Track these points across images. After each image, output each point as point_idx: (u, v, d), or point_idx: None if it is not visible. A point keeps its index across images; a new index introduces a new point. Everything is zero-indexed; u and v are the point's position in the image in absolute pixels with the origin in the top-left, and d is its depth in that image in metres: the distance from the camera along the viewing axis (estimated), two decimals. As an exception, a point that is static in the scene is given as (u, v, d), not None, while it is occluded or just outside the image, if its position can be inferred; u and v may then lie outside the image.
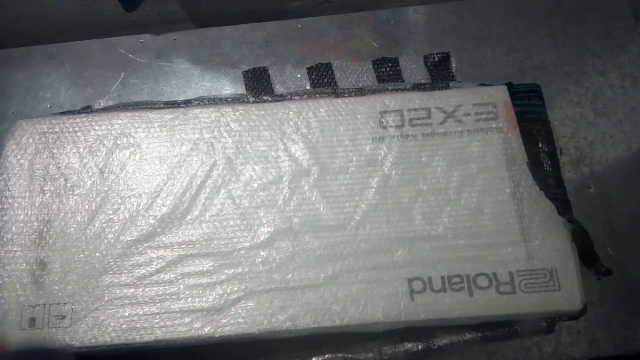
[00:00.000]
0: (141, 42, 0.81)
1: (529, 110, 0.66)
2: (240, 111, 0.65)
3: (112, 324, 0.56)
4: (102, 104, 0.76)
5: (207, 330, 0.56)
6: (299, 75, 0.77)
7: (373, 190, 0.61)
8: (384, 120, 0.64)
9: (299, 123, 0.64)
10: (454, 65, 0.76)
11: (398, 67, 0.77)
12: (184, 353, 0.59)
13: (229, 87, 0.77)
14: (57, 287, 0.58)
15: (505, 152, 0.62)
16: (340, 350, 0.61)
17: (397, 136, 0.63)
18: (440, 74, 0.76)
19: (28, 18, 0.83)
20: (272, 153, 0.63)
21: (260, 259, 0.58)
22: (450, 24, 0.80)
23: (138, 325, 0.56)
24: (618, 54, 0.77)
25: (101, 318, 0.56)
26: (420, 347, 0.60)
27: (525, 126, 0.64)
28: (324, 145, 0.63)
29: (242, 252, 0.59)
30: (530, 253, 0.58)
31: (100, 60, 0.80)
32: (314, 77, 0.77)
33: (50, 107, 0.78)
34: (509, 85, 0.66)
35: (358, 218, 0.60)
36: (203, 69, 0.79)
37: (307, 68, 0.77)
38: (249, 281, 0.58)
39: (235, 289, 0.57)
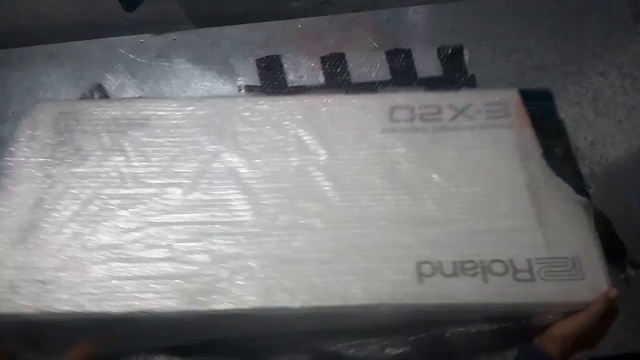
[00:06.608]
0: (141, 42, 0.81)
1: (541, 110, 0.66)
2: (252, 102, 0.66)
3: (98, 293, 0.54)
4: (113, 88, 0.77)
5: (199, 304, 0.53)
6: (312, 65, 0.77)
7: (381, 174, 0.60)
8: (394, 114, 0.63)
9: (310, 114, 0.64)
10: (466, 58, 0.77)
11: (411, 59, 0.77)
12: None
13: (242, 77, 0.78)
14: (45, 252, 0.56)
15: (518, 146, 0.61)
16: (341, 347, 0.58)
17: (408, 128, 0.63)
18: (453, 66, 0.76)
19: (28, 18, 0.83)
20: (281, 137, 0.63)
21: (260, 234, 0.57)
22: (450, 24, 0.80)
23: (125, 296, 0.54)
24: (618, 54, 0.77)
25: (87, 287, 0.54)
26: (425, 343, 0.57)
27: (537, 123, 0.63)
28: (334, 135, 0.63)
29: (242, 227, 0.57)
30: (549, 241, 0.56)
31: (100, 60, 0.80)
32: (327, 66, 0.77)
33: (50, 107, 0.78)
34: (520, 90, 0.66)
35: (364, 199, 0.59)
36: (203, 69, 0.79)
37: (320, 57, 0.78)
38: (247, 256, 0.56)
39: (232, 263, 0.55)
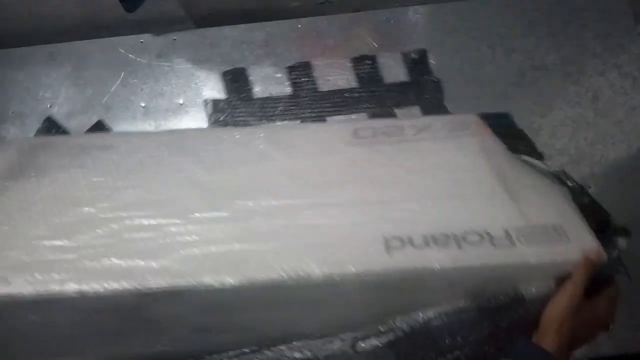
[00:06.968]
0: (141, 42, 0.81)
1: (501, 125, 0.68)
2: (218, 129, 0.69)
3: (36, 275, 0.52)
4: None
5: (138, 282, 0.51)
6: (279, 75, 0.78)
7: (343, 173, 0.60)
8: (357, 133, 0.65)
9: (274, 133, 0.66)
10: (431, 62, 0.77)
11: (376, 65, 0.77)
12: None
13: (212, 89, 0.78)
14: None
15: (481, 148, 0.61)
16: (308, 346, 0.53)
17: (371, 142, 0.64)
18: (418, 70, 0.77)
19: (28, 18, 0.83)
20: (243, 150, 0.64)
21: (213, 221, 0.56)
22: (450, 24, 0.80)
23: (64, 277, 0.52)
24: (618, 54, 0.77)
25: (19, 270, 0.53)
26: (403, 333, 0.51)
27: (499, 132, 0.64)
28: (297, 148, 0.64)
29: (194, 218, 0.56)
30: (525, 212, 0.53)
31: (100, 60, 0.80)
32: (293, 76, 0.78)
33: (50, 107, 0.78)
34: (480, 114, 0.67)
35: (326, 191, 0.58)
36: (203, 69, 0.79)
37: (286, 67, 0.78)
38: (197, 240, 0.54)
39: (180, 247, 0.54)
